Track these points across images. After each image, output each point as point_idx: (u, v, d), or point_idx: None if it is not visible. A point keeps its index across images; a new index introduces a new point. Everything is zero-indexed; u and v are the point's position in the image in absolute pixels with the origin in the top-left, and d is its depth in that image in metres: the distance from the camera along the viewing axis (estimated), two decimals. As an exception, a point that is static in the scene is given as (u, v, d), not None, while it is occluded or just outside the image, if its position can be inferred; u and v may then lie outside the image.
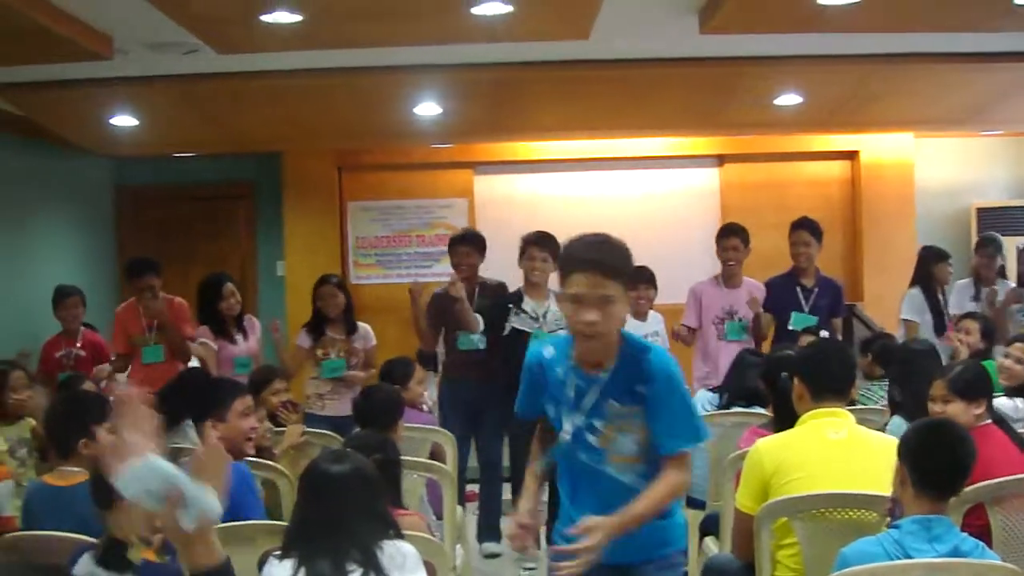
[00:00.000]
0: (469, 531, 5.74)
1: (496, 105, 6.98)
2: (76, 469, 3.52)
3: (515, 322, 5.82)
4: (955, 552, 2.65)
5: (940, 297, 6.70)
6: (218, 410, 3.87)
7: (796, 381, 3.70)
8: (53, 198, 7.99)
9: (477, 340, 5.95)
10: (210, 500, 2.01)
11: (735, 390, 5.01)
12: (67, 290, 6.58)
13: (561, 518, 2.94)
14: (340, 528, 2.73)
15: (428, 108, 6.98)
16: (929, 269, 6.74)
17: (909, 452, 2.82)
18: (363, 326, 6.34)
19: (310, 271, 8.28)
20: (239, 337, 6.24)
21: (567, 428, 2.84)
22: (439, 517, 4.45)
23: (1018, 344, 4.72)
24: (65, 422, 3.70)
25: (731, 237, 6.32)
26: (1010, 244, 8.31)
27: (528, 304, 5.82)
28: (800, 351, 4.26)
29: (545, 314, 5.82)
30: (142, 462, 1.97)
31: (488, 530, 6.05)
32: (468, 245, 6.11)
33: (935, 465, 2.81)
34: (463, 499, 5.60)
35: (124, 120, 6.95)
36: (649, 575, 2.90)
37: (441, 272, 7.98)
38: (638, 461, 2.81)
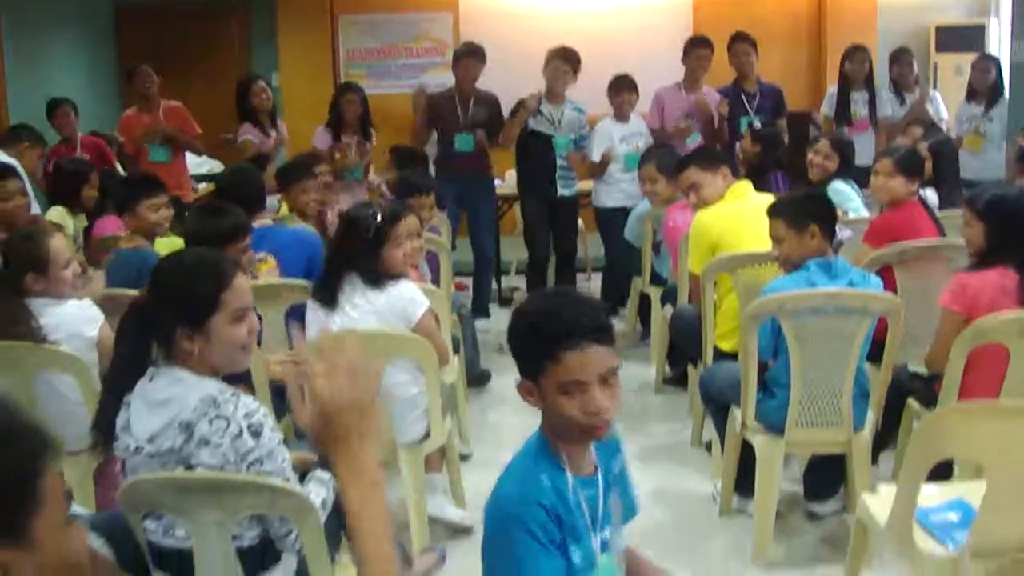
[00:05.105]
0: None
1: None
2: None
3: (533, 124, 6.43)
4: (849, 284, 3.36)
5: (852, 93, 7.18)
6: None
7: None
8: (61, 19, 8.36)
9: (471, 142, 6.52)
10: None
11: None
12: (56, 101, 6.91)
13: None
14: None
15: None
16: (841, 68, 7.28)
17: (828, 213, 3.51)
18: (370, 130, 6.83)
19: (304, 82, 8.75)
20: (273, 132, 6.86)
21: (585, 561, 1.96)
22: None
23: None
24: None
25: (704, 48, 6.87)
26: (965, 61, 8.75)
27: (546, 107, 6.42)
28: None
29: (560, 119, 6.41)
30: None
31: (479, 310, 6.71)
32: (472, 58, 6.56)
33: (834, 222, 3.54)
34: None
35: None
36: None
37: (428, 82, 8.40)
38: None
